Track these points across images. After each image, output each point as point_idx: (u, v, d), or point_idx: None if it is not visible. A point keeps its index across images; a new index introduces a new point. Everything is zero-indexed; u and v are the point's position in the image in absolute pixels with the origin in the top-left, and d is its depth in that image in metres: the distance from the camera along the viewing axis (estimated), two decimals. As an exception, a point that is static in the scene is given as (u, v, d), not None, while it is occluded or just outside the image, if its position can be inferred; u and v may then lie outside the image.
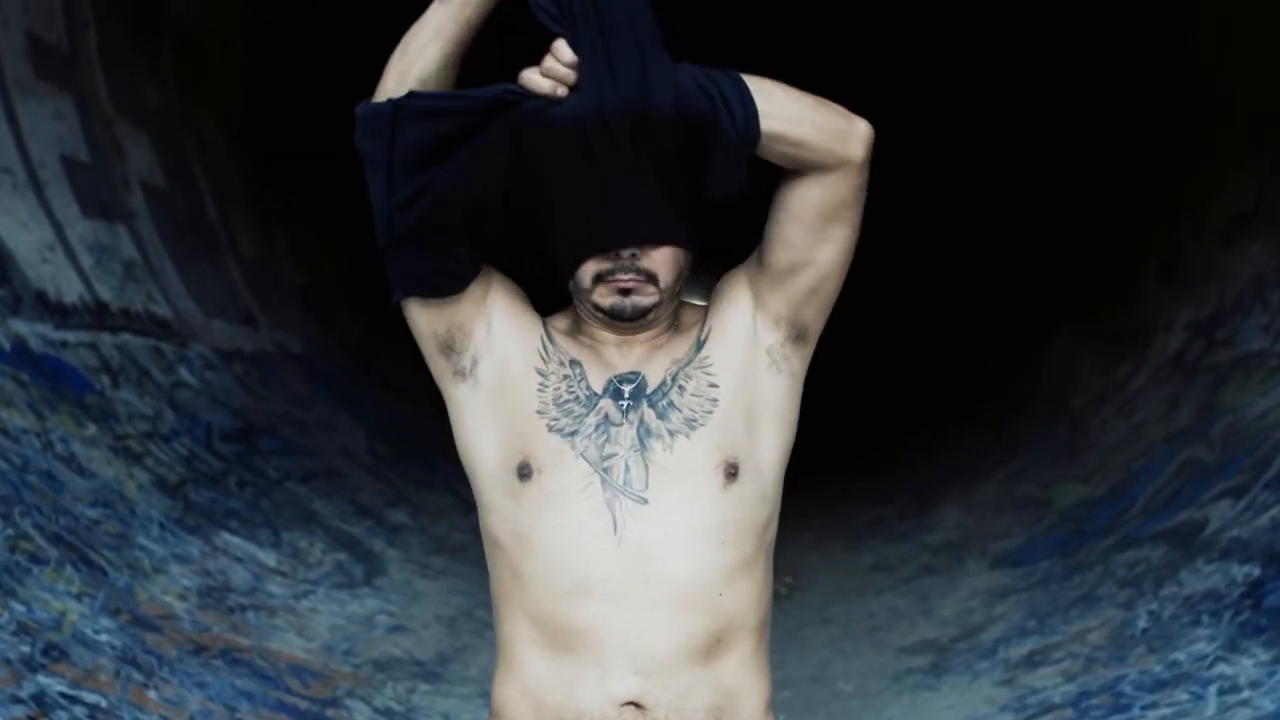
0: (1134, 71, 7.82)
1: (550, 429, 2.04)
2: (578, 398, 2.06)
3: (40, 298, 4.96)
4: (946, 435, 8.44)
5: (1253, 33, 6.35)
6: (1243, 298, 5.91)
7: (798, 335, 2.12)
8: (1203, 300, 6.35)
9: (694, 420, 2.04)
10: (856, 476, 8.23)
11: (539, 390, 2.06)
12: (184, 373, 5.82)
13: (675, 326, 2.15)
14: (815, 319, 2.12)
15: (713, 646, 1.99)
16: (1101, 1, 8.01)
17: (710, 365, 2.08)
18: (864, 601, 5.51)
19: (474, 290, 2.11)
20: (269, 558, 4.73)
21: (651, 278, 2.04)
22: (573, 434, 2.03)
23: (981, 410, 8.63)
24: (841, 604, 5.48)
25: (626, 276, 2.03)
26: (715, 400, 2.06)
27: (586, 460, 2.01)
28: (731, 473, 2.04)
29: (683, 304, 2.21)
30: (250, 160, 7.99)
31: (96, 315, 5.35)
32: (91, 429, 4.64)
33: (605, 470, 2.01)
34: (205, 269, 6.93)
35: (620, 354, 2.11)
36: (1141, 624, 4.04)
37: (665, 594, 1.97)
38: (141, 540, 4.21)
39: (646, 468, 2.01)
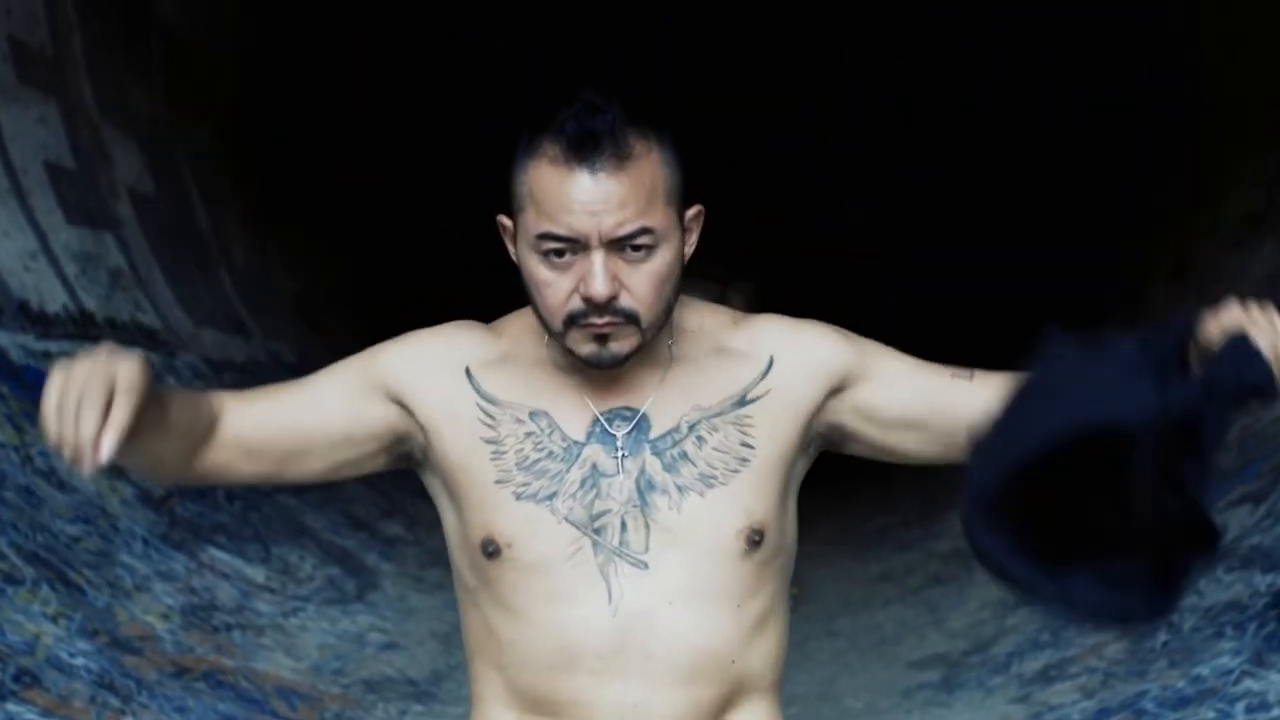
0: (1141, 72, 7.72)
1: (520, 496, 1.71)
2: (551, 453, 1.72)
3: (22, 308, 4.84)
4: (953, 440, 8.31)
5: (1261, 32, 6.26)
6: (1257, 297, 5.77)
7: (823, 445, 1.83)
8: (1215, 300, 6.23)
9: (712, 478, 1.72)
10: (861, 483, 8.09)
11: (494, 459, 1.72)
12: (172, 383, 5.69)
13: (671, 331, 1.77)
14: (835, 446, 1.83)
15: (721, 710, 1.75)
16: (1111, 9, 7.92)
17: (750, 426, 1.74)
18: (871, 613, 5.38)
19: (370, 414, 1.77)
20: (257, 573, 4.60)
21: (632, 318, 1.67)
22: (550, 496, 1.70)
23: (988, 415, 8.50)
24: (848, 616, 5.35)
25: (601, 320, 1.67)
26: (745, 461, 1.73)
27: (573, 524, 1.69)
28: (755, 540, 1.71)
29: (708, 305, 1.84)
30: (242, 166, 7.87)
31: (81, 325, 5.22)
32: (74, 442, 4.50)
33: (597, 531, 1.69)
34: (195, 277, 6.82)
35: (609, 378, 1.75)
36: (1161, 636, 3.90)
37: (668, 667, 1.70)
38: (123, 557, 4.07)
39: (647, 526, 1.70)
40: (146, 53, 6.80)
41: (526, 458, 1.72)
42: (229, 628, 4.07)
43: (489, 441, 1.73)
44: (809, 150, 11.79)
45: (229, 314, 7.09)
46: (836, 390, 1.78)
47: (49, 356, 4.82)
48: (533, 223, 1.68)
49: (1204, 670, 3.52)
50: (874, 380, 1.79)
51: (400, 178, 10.04)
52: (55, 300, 5.11)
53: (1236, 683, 3.38)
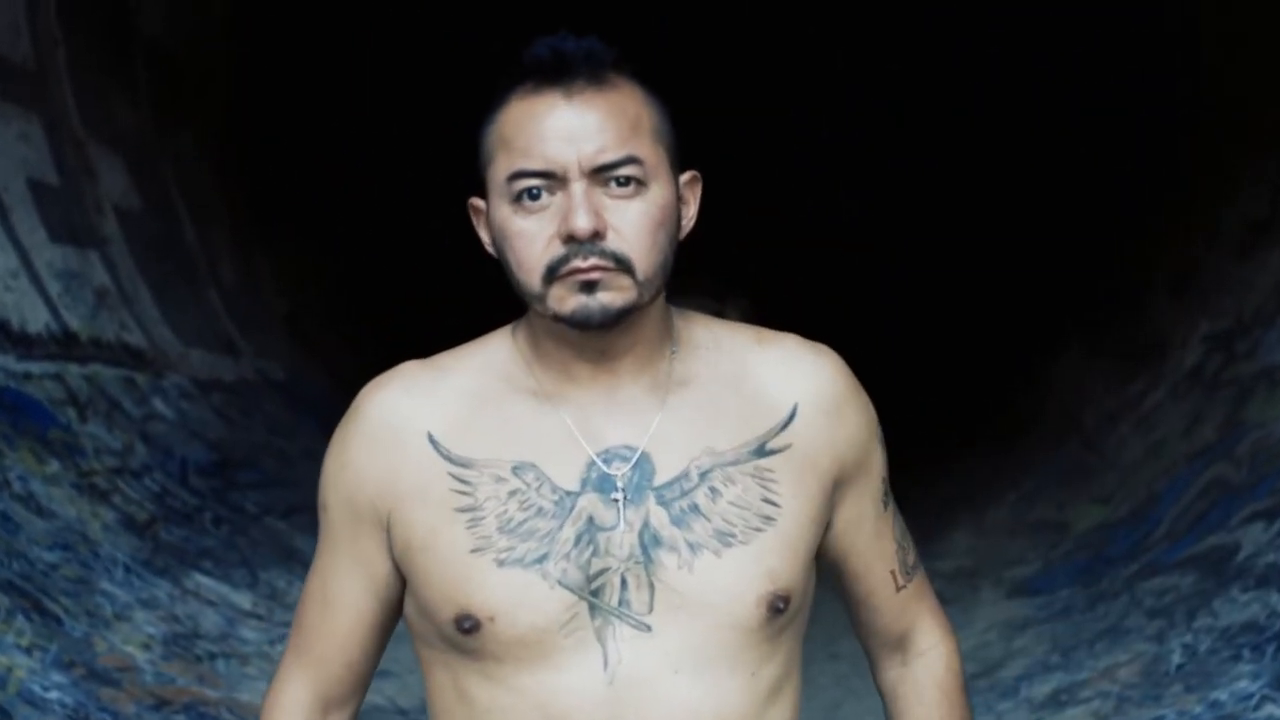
0: (1141, 78, 7.63)
1: (503, 563, 1.46)
2: (540, 510, 1.47)
3: (2, 327, 4.72)
4: (953, 457, 8.21)
5: (1262, 35, 6.16)
6: (1263, 308, 5.68)
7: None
8: (1220, 312, 6.14)
9: (730, 535, 1.48)
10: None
11: (470, 526, 1.48)
12: (158, 404, 5.57)
13: (673, 339, 1.55)
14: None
15: None
16: (1107, 8, 7.83)
17: (773, 481, 1.51)
18: (874, 634, 5.25)
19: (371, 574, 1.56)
20: (243, 600, 4.47)
21: (623, 263, 1.44)
22: (541, 559, 1.46)
23: (989, 430, 8.40)
24: (850, 638, 5.19)
25: (587, 262, 1.42)
26: (770, 519, 1.50)
27: (567, 587, 1.45)
28: (779, 608, 1.48)
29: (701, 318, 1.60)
30: (231, 183, 7.77)
31: (64, 345, 5.11)
32: (54, 466, 4.39)
33: (594, 592, 1.46)
34: (183, 296, 6.70)
35: (602, 402, 1.52)
36: (1176, 659, 3.78)
37: None
38: (104, 585, 3.95)
39: (651, 586, 1.46)
40: (131, 67, 6.70)
41: (510, 519, 1.47)
42: (213, 657, 3.94)
43: (464, 510, 1.49)
44: (804, 144, 11.72)
45: (218, 332, 6.97)
46: (835, 480, 1.58)
47: (30, 378, 4.71)
48: (503, 167, 1.47)
49: (1222, 695, 3.41)
50: (849, 507, 1.59)
51: (393, 191, 9.95)
52: (37, 320, 5.00)
53: (1257, 708, 3.27)
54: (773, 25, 11.06)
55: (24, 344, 4.82)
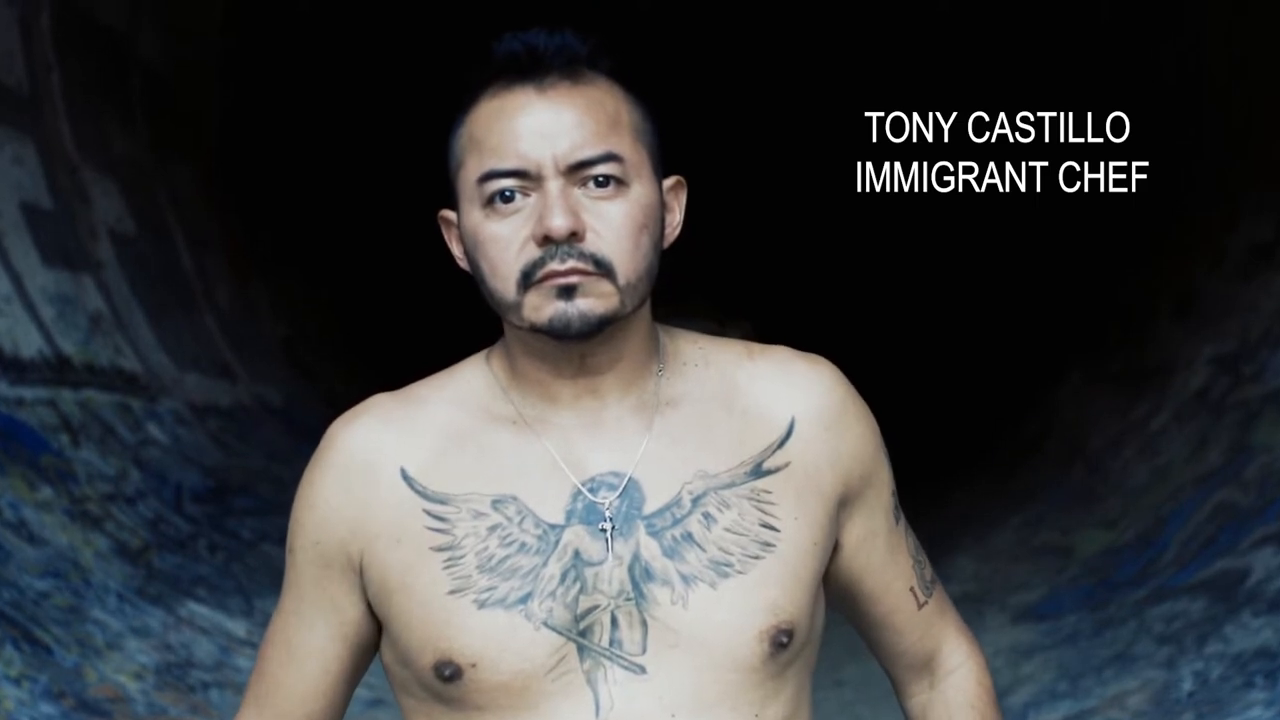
0: (1144, 102, 7.61)
1: (483, 604, 1.37)
2: (523, 545, 1.39)
3: (-6, 353, 4.68)
4: (957, 481, 8.16)
5: (1266, 59, 6.14)
6: (1269, 331, 5.64)
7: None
8: (1224, 335, 6.09)
9: (726, 565, 1.39)
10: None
11: (447, 566, 1.39)
12: (153, 429, 5.52)
13: (659, 357, 1.47)
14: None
15: None
16: (1108, 29, 7.81)
17: (771, 504, 1.43)
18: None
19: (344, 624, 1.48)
20: (238, 628, 4.41)
21: (603, 266, 1.35)
22: (524, 599, 1.36)
23: (992, 454, 8.35)
24: (855, 664, 5.15)
25: (565, 265, 1.34)
26: (769, 545, 1.41)
27: (553, 628, 1.36)
28: (782, 642, 1.39)
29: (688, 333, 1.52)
30: (228, 208, 7.73)
31: (57, 370, 5.06)
32: (46, 492, 4.33)
33: (583, 633, 1.37)
34: (179, 321, 6.66)
35: (586, 426, 1.43)
36: (1187, 686, 3.72)
37: None
38: (96, 613, 3.89)
39: (644, 624, 1.37)
40: (127, 92, 6.67)
41: (491, 557, 1.38)
42: (206, 686, 3.88)
43: (441, 549, 1.40)
44: (807, 166, 11.71)
45: (214, 358, 6.92)
46: (840, 499, 1.49)
47: (22, 404, 4.66)
48: (474, 169, 1.39)
49: (1236, 723, 3.36)
50: (859, 525, 1.51)
51: (392, 217, 9.92)
52: (30, 345, 4.95)
53: (1271, 736, 3.21)
54: (780, 47, 11.07)
55: (16, 369, 4.78)
